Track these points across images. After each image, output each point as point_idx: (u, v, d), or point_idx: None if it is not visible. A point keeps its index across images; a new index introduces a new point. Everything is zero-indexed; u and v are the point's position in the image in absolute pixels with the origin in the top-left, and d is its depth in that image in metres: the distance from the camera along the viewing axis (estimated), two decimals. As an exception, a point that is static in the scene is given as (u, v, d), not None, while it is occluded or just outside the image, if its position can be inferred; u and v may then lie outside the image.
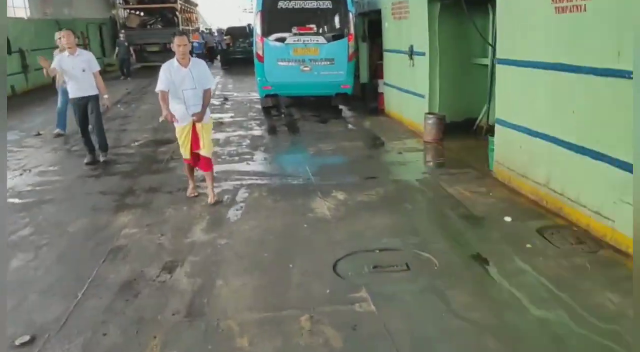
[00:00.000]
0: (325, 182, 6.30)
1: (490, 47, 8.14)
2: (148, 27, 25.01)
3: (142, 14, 26.36)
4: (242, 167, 7.14)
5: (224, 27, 29.85)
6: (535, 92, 5.23)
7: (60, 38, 7.94)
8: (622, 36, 3.92)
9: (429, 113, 8.29)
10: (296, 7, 10.44)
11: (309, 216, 5.18)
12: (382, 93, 11.42)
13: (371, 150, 8.13)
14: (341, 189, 5.94)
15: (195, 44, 23.63)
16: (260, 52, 10.49)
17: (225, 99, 14.15)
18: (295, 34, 10.49)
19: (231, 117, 11.32)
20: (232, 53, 24.14)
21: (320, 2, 10.47)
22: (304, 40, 10.46)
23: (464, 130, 8.52)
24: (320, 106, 12.03)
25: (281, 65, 10.38)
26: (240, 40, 24.11)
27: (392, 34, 10.13)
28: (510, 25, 5.66)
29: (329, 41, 10.53)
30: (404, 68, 9.40)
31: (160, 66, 5.50)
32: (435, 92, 8.39)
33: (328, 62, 10.39)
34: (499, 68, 5.98)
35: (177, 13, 25.06)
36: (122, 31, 22.21)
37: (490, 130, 8.18)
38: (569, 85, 4.64)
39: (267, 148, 8.25)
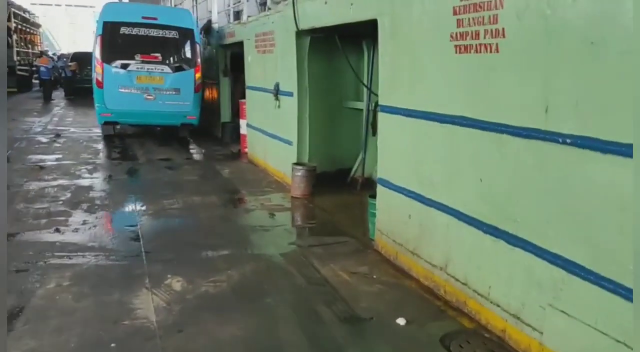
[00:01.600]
0: (160, 259, 4.66)
1: (366, 90, 7.19)
2: (-27, 46, 21.27)
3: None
4: (48, 236, 5.20)
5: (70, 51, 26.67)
6: (430, 151, 4.16)
7: None
8: (551, 86, 2.93)
9: (298, 164, 7.04)
10: (140, 34, 10.27)
11: (123, 325, 3.50)
12: (244, 135, 10.09)
13: (228, 208, 6.61)
14: (181, 272, 4.34)
15: (42, 69, 20.49)
16: (99, 78, 10.10)
17: (57, 135, 11.80)
18: (139, 62, 10.26)
19: (57, 159, 9.13)
20: (78, 81, 21.28)
21: (166, 32, 10.40)
22: (148, 68, 10.24)
23: (337, 183, 7.42)
24: (172, 149, 10.34)
25: (123, 92, 10.09)
26: (89, 68, 21.32)
27: (256, 70, 8.86)
28: (396, 64, 4.59)
29: (175, 71, 10.44)
30: (269, 109, 8.12)
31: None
32: (305, 138, 7.19)
33: (174, 92, 10.29)
34: (382, 117, 4.88)
35: (12, 33, 21.72)
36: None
37: (367, 185, 7.21)
38: (475, 145, 3.60)
39: (93, 205, 6.35)
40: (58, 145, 10.66)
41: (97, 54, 10.16)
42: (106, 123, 10.65)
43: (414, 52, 4.28)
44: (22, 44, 23.58)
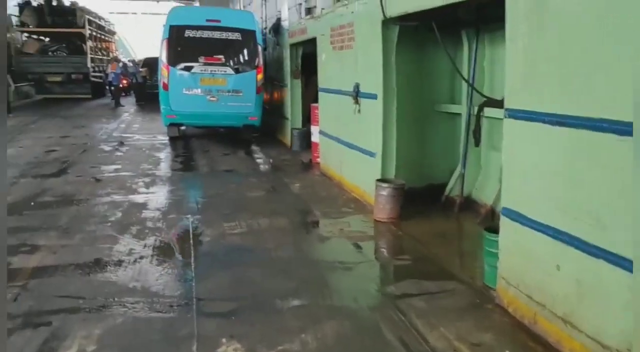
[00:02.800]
0: (214, 311, 3.61)
1: (465, 91, 5.89)
2: (50, 54, 21.65)
3: (45, 39, 22.99)
4: (83, 274, 4.27)
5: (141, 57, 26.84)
6: (597, 175, 2.83)
7: None
8: None
9: (383, 180, 5.82)
10: (204, 36, 10.32)
11: None
12: (316, 143, 9.02)
13: (299, 235, 5.51)
14: (239, 334, 3.26)
15: (111, 75, 20.56)
16: (165, 81, 10.21)
17: (121, 143, 11.21)
18: (202, 64, 10.29)
19: (115, 170, 8.41)
20: (148, 87, 21.11)
21: (229, 34, 10.42)
22: (211, 70, 10.26)
23: (427, 202, 6.16)
24: (237, 158, 9.44)
25: (187, 94, 10.15)
26: (160, 73, 21.23)
27: (331, 69, 7.74)
28: (537, 51, 3.28)
29: (237, 72, 10.41)
30: (346, 114, 6.97)
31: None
32: (391, 149, 5.96)
33: (235, 93, 10.27)
34: (509, 124, 3.58)
35: (87, 40, 21.92)
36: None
37: (466, 206, 5.90)
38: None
39: (143, 229, 5.43)
40: (120, 154, 10.02)
41: (163, 57, 10.28)
42: (171, 125, 10.80)
43: (574, 32, 2.95)
44: (97, 51, 23.84)
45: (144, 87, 20.77)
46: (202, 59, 10.26)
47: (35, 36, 22.79)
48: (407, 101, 6.09)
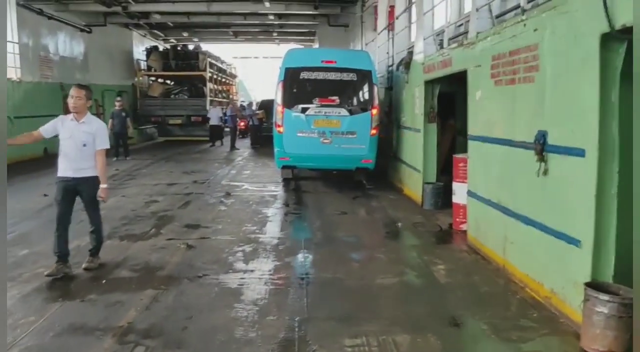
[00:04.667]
0: None
1: None
2: (172, 97, 21.87)
3: (169, 81, 23.44)
4: None
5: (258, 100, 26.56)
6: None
7: (70, 96, 5.20)
8: None
9: (596, 285, 3.64)
10: (319, 78, 10.10)
11: None
12: (459, 205, 6.99)
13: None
14: None
15: (226, 118, 20.24)
16: (279, 122, 10.05)
17: (227, 194, 9.95)
18: (317, 105, 10.01)
19: (214, 232, 7.00)
20: (264, 130, 20.37)
21: (344, 74, 10.10)
22: (325, 112, 9.96)
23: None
24: (358, 218, 7.65)
25: (301, 136, 9.95)
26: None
27: (490, 111, 5.74)
28: None
29: (351, 114, 10.00)
30: (519, 174, 4.91)
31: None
32: (609, 236, 3.78)
33: (350, 135, 9.90)
34: None
35: (208, 82, 21.89)
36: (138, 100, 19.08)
37: None
38: None
39: (228, 344, 3.74)
40: (223, 208, 8.68)
41: (279, 99, 10.07)
42: (284, 167, 10.48)
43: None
44: (217, 93, 23.87)
45: (259, 129, 20.06)
46: (316, 101, 9.98)
47: (160, 80, 23.31)
48: (627, 159, 3.89)
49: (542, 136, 4.40)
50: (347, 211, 8.59)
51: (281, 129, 9.99)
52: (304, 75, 10.07)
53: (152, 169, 13.73)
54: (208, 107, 21.45)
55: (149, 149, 19.41)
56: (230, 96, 28.68)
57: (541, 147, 4.38)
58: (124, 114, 15.51)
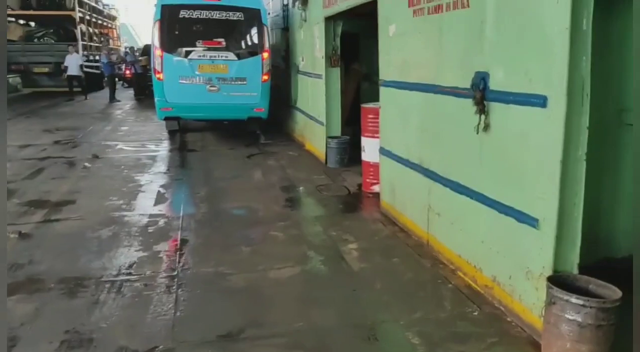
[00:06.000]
0: None
1: None
2: (35, 41, 18.71)
3: (32, 24, 20.07)
4: None
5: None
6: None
7: None
8: None
9: (563, 280, 2.70)
10: (202, 17, 9.04)
11: None
12: (370, 163, 5.96)
13: None
14: None
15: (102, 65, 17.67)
16: (158, 68, 8.92)
17: (95, 156, 8.23)
18: (200, 49, 9.02)
19: (64, 211, 5.40)
20: (149, 78, 18.10)
21: (230, 13, 9.13)
22: (210, 56, 9.00)
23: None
24: (254, 182, 6.39)
25: (184, 84, 8.93)
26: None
27: (409, 51, 4.59)
28: None
29: (240, 58, 9.14)
30: (449, 129, 3.87)
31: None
32: (576, 213, 2.82)
33: (239, 82, 9.10)
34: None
35: (79, 24, 18.91)
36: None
37: None
38: None
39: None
40: (84, 175, 7.01)
41: (156, 42, 8.90)
42: (167, 118, 9.47)
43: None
44: (92, 37, 20.85)
45: (144, 78, 17.73)
46: (200, 43, 8.99)
47: (21, 22, 19.87)
48: (595, 113, 2.91)
49: (481, 80, 3.32)
50: (240, 173, 7.29)
51: (161, 76, 8.92)
52: (184, 13, 8.89)
53: (7, 128, 11.35)
54: (81, 53, 18.62)
55: (9, 103, 16.51)
56: (111, 41, 25.48)
57: (481, 94, 3.31)
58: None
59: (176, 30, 9.04)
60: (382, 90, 5.23)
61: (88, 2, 20.68)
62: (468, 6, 3.49)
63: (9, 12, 18.56)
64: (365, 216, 5.34)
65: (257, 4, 9.31)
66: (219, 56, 8.94)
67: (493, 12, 3.24)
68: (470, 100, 3.44)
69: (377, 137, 5.68)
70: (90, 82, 19.40)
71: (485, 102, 3.30)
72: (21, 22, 19.88)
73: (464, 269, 3.74)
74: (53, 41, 18.80)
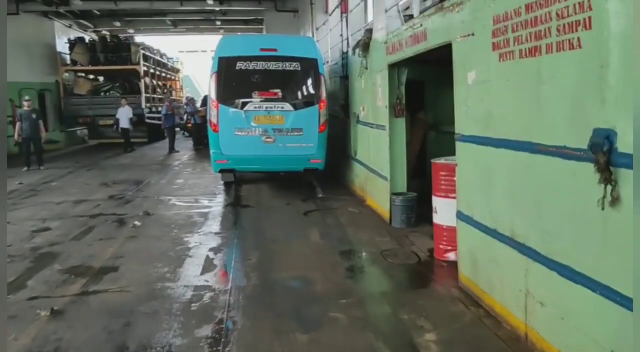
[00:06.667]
0: None
1: None
2: (102, 94, 19.32)
3: (100, 78, 20.84)
4: None
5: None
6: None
7: None
8: None
9: None
10: (258, 68, 8.87)
11: None
12: (443, 227, 5.21)
13: None
14: None
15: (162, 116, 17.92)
16: (214, 120, 8.83)
17: (147, 213, 7.87)
18: (256, 100, 8.75)
19: (103, 281, 4.92)
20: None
21: (287, 64, 8.95)
22: (266, 107, 8.77)
23: None
24: (311, 249, 5.72)
25: (239, 136, 8.75)
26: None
27: (491, 99, 3.88)
28: None
29: (296, 108, 8.86)
30: (557, 200, 3.07)
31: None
32: None
33: (295, 133, 8.81)
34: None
35: (143, 77, 19.44)
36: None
37: None
38: None
39: None
40: (132, 237, 6.59)
41: (212, 94, 8.84)
42: (222, 171, 9.30)
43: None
44: (156, 90, 21.40)
45: (202, 129, 17.80)
46: (256, 95, 8.75)
47: (90, 76, 20.70)
48: None
49: (604, 139, 2.56)
50: (296, 233, 6.69)
51: (217, 128, 8.80)
52: (241, 65, 8.78)
53: (66, 181, 11.41)
54: (144, 104, 19.04)
55: (75, 155, 16.94)
56: (174, 93, 26.21)
57: (606, 158, 2.54)
58: (34, 115, 13.06)
59: (233, 81, 8.86)
60: (459, 146, 4.52)
61: (152, 56, 21.35)
62: (580, 46, 2.77)
63: (78, 68, 19.39)
64: (442, 293, 4.53)
65: (313, 53, 9.08)
66: (275, 107, 8.73)
67: (618, 51, 2.51)
68: (586, 165, 2.67)
69: (452, 198, 4.95)
70: (153, 132, 19.76)
71: (611, 169, 2.52)
72: (90, 76, 20.72)
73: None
74: (118, 94, 19.33)
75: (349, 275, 5.09)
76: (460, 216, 4.58)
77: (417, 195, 6.77)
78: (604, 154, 2.54)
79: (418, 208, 6.69)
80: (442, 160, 5.39)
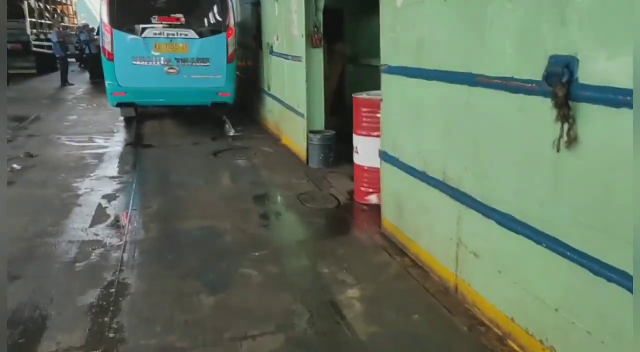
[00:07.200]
0: None
1: None
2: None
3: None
4: None
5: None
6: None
7: None
8: None
9: None
10: None
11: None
12: (364, 168, 4.82)
13: None
14: None
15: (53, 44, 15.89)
16: (108, 48, 7.93)
17: (29, 155, 6.83)
18: (156, 26, 7.98)
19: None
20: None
21: None
22: (168, 34, 7.98)
23: None
24: (221, 195, 5.13)
25: (138, 65, 7.92)
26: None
27: (423, 24, 3.38)
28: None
29: (202, 36, 8.13)
30: (499, 140, 2.68)
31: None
32: None
33: (201, 63, 8.09)
34: None
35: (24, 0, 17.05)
36: None
37: None
38: None
39: None
40: (9, 180, 5.63)
41: (105, 17, 7.93)
42: (121, 105, 8.45)
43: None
44: (43, 15, 18.94)
45: (99, 59, 16.08)
46: (156, 19, 7.96)
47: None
48: None
49: (564, 67, 2.14)
50: (204, 176, 6.03)
51: (112, 56, 7.95)
52: None
53: None
54: (29, 30, 16.84)
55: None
56: (66, 18, 23.51)
57: (565, 90, 2.13)
58: None
59: (129, 3, 7.97)
60: (385, 78, 4.03)
61: (38, -26, 18.77)
62: (538, -45, 2.29)
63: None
64: (364, 241, 4.16)
65: None
66: (177, 34, 7.96)
67: (589, -40, 2.06)
68: (539, 99, 2.27)
69: (375, 136, 4.54)
70: (43, 63, 17.68)
71: (570, 104, 2.12)
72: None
73: (519, 340, 2.62)
74: (-3, 18, 16.87)
75: (263, 223, 4.60)
76: (384, 156, 4.17)
77: (336, 133, 6.32)
78: (562, 86, 2.13)
79: (336, 147, 6.26)
80: (364, 95, 4.91)
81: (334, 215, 4.77)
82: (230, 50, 8.22)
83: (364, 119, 4.81)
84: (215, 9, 8.46)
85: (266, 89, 8.64)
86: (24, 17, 16.78)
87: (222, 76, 8.19)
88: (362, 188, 5.00)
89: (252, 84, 9.77)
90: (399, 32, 3.73)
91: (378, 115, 4.50)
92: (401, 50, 3.71)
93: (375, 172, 4.63)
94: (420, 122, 3.55)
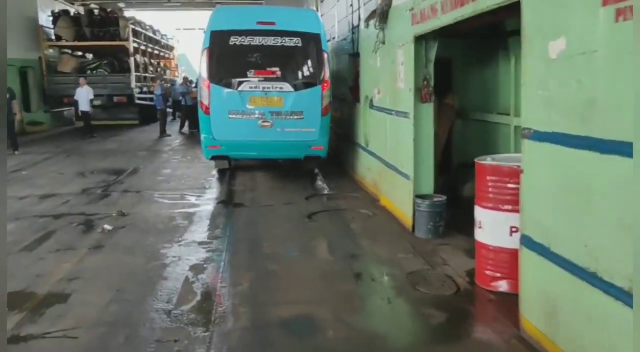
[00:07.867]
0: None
1: None
2: (88, 72, 17.87)
3: (86, 55, 19.41)
4: None
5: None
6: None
7: None
8: None
9: None
10: (254, 44, 7.94)
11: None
12: (489, 247, 4.01)
13: None
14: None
15: (155, 97, 16.51)
16: (205, 102, 7.92)
17: (121, 213, 6.64)
18: (252, 79, 7.86)
19: (42, 331, 3.68)
20: (202, 111, 16.79)
21: (286, 39, 7.98)
22: (263, 87, 7.86)
23: None
24: (317, 276, 4.47)
25: (233, 119, 7.87)
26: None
27: (604, 81, 2.59)
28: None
29: (296, 89, 7.98)
30: None
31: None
32: None
33: (295, 116, 7.90)
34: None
35: (133, 55, 18.01)
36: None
37: None
38: None
39: None
40: (97, 248, 5.34)
41: (203, 72, 7.99)
42: (215, 157, 8.42)
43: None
44: (147, 68, 19.97)
45: (195, 110, 16.46)
46: (252, 73, 7.93)
47: (77, 52, 19.28)
48: None
49: None
50: (299, 245, 5.43)
51: (208, 110, 7.99)
52: (235, 40, 7.91)
53: (38, 169, 10.17)
54: (134, 84, 17.66)
55: (58, 138, 15.66)
56: (168, 72, 24.77)
57: None
58: (7, 95, 11.72)
59: (226, 58, 8.07)
60: (529, 145, 3.24)
61: (144, 31, 19.91)
62: None
63: (63, 43, 17.96)
64: (499, 347, 3.29)
65: (316, 27, 8.21)
66: (273, 87, 7.91)
67: None
68: None
69: (505, 211, 3.75)
70: (145, 114, 18.45)
71: None
72: (78, 53, 19.31)
73: None
74: (106, 73, 17.93)
75: (369, 314, 3.86)
76: (527, 242, 3.32)
77: (446, 198, 5.53)
78: None
79: (447, 214, 5.47)
80: (489, 160, 4.14)
81: (455, 305, 3.93)
82: (325, 103, 8.02)
83: (491, 189, 4.02)
84: (310, 61, 8.29)
85: (363, 144, 8.07)
86: (129, 71, 17.64)
87: (315, 129, 7.99)
88: (486, 271, 4.15)
89: (347, 137, 9.27)
90: (553, 90, 2.95)
91: (510, 185, 3.76)
92: (557, 113, 2.93)
93: (503, 253, 3.86)
94: (586, 206, 2.71)
